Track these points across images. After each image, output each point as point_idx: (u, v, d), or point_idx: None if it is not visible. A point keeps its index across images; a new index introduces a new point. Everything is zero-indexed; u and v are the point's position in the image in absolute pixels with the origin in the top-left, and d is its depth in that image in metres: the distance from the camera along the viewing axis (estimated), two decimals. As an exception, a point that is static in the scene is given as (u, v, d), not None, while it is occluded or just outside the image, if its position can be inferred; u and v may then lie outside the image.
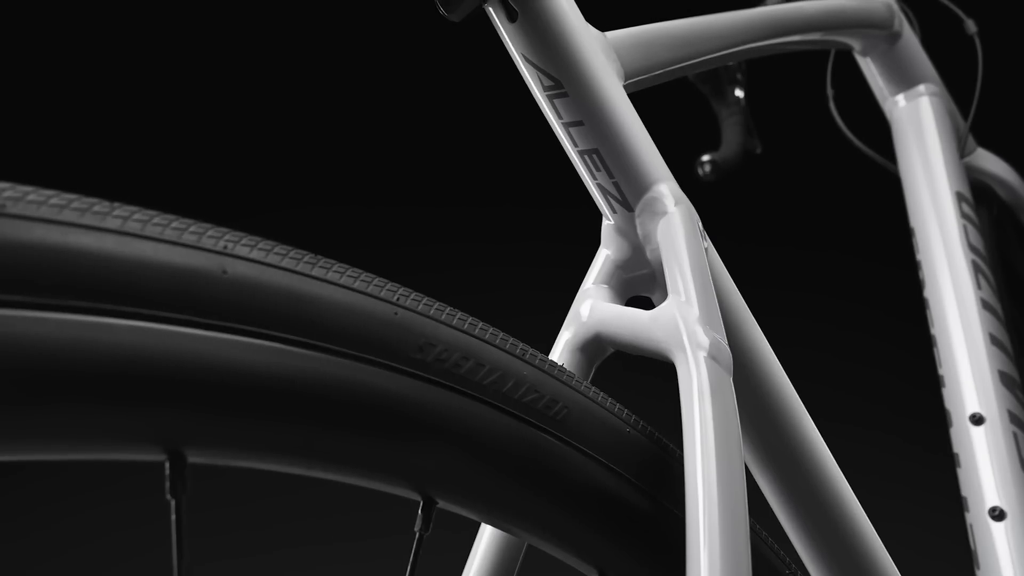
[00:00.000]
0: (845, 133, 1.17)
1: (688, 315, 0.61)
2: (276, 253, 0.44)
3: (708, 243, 0.68)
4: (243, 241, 0.43)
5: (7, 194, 0.37)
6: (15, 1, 2.64)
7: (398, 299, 0.48)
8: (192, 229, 0.42)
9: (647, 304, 0.67)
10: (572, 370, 0.63)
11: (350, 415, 0.45)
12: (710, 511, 0.54)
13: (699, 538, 0.54)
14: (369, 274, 0.48)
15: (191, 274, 0.41)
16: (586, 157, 0.66)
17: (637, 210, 0.67)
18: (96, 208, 0.39)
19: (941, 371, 0.96)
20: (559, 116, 0.66)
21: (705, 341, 0.59)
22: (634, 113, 0.67)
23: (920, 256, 1.01)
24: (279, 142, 2.80)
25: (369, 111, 2.80)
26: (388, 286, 0.48)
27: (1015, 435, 0.91)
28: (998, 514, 0.87)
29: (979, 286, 0.98)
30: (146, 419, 0.40)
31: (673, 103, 1.17)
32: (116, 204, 0.40)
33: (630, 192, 0.66)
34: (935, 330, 0.98)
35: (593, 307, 0.66)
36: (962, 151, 1.08)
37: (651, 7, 0.91)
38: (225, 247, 0.42)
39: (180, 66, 2.76)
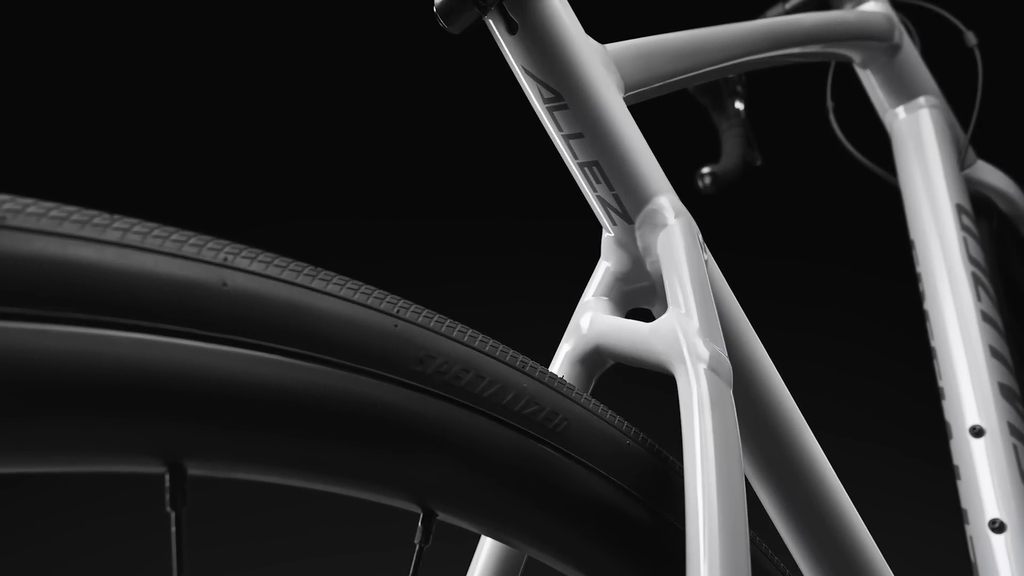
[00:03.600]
0: (845, 145, 1.17)
1: (688, 327, 0.61)
2: (276, 265, 0.44)
3: (708, 255, 0.68)
4: (243, 253, 0.43)
5: (7, 206, 0.37)
6: (16, 9, 2.65)
7: (398, 311, 0.48)
8: (192, 241, 0.42)
9: (647, 316, 0.67)
10: (572, 382, 0.63)
11: (350, 427, 0.45)
12: (710, 523, 0.54)
13: (699, 550, 0.54)
14: (369, 286, 0.48)
15: (191, 286, 0.41)
16: (586, 169, 0.66)
17: (637, 222, 0.67)
18: (96, 220, 0.39)
19: (941, 383, 0.96)
20: (559, 128, 0.66)
21: (705, 353, 0.59)
22: (634, 125, 0.67)
23: (920, 268, 1.01)
24: (279, 155, 2.81)
25: (369, 123, 2.81)
26: (388, 298, 0.48)
27: (1015, 447, 0.91)
28: (998, 526, 0.87)
29: (979, 298, 0.98)
30: (146, 431, 0.39)
31: (673, 115, 1.17)
32: (116, 216, 0.40)
33: (630, 204, 0.67)
34: (935, 342, 0.98)
35: (593, 319, 0.66)
36: (962, 163, 1.08)
37: (651, 19, 0.91)
38: (225, 259, 0.42)
39: (182, 78, 2.76)
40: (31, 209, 0.37)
